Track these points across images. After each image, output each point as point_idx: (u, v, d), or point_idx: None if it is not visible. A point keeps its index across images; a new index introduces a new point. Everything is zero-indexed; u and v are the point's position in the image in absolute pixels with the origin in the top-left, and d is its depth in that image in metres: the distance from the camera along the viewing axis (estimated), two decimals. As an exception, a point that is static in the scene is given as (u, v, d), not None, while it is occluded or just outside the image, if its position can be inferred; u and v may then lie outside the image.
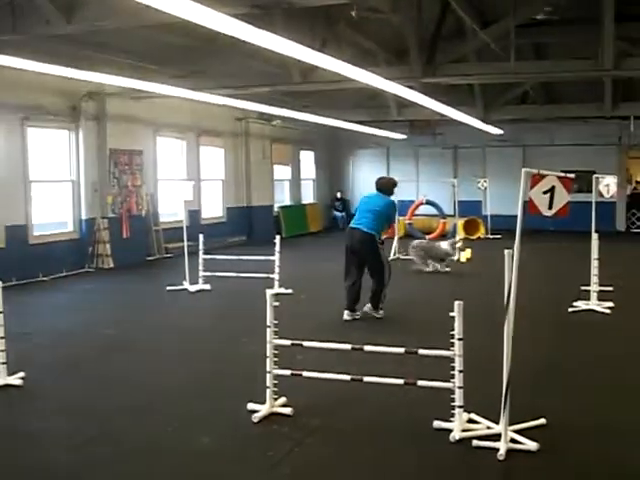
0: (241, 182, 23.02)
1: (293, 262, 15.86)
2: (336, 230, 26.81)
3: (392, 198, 11.10)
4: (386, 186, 11.09)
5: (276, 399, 6.55)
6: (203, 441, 5.99)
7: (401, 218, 20.95)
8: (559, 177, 5.50)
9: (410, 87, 14.39)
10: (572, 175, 5.61)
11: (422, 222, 24.02)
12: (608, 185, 12.44)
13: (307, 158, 28.16)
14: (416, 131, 26.97)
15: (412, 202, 23.02)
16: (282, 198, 26.40)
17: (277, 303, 6.44)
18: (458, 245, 16.21)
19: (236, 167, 22.84)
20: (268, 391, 6.48)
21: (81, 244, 16.45)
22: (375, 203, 10.80)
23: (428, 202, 22.87)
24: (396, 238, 18.35)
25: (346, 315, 10.68)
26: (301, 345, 6.58)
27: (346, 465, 5.57)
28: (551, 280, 14.29)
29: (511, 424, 5.82)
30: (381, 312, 10.81)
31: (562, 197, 5.48)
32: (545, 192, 5.38)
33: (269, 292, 6.47)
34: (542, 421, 6.12)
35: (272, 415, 6.43)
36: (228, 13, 8.18)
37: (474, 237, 23.16)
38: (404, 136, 26.45)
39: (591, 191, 12.48)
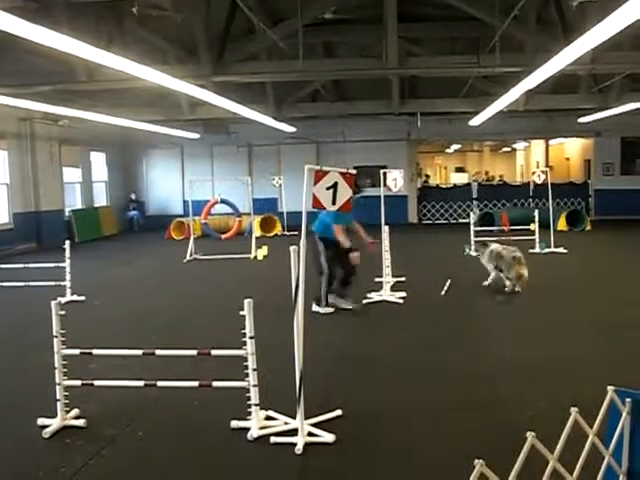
0: (28, 186, 21.87)
1: (87, 268, 15.35)
2: (131, 233, 26.29)
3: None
4: None
5: (68, 411, 6.28)
6: (-11, 462, 5.64)
7: (196, 218, 20.82)
8: (341, 173, 5.62)
9: (202, 86, 14.24)
10: (354, 171, 5.75)
11: (218, 221, 23.99)
12: (395, 179, 12.93)
13: (98, 159, 27.25)
14: (211, 130, 26.90)
15: (207, 201, 22.90)
16: (73, 202, 25.41)
17: (63, 312, 6.16)
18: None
19: (22, 170, 21.66)
20: (59, 404, 6.21)
21: None
22: None
23: (223, 201, 22.84)
24: (192, 238, 18.18)
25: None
26: (90, 353, 6.34)
27: (143, 474, 5.42)
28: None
29: (309, 417, 5.91)
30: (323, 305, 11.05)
31: (345, 192, 5.61)
32: (328, 188, 5.49)
33: (54, 302, 6.16)
34: (338, 412, 6.25)
35: (65, 429, 6.16)
36: (1, 7, 7.72)
37: (271, 234, 23.48)
38: (197, 135, 26.29)
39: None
